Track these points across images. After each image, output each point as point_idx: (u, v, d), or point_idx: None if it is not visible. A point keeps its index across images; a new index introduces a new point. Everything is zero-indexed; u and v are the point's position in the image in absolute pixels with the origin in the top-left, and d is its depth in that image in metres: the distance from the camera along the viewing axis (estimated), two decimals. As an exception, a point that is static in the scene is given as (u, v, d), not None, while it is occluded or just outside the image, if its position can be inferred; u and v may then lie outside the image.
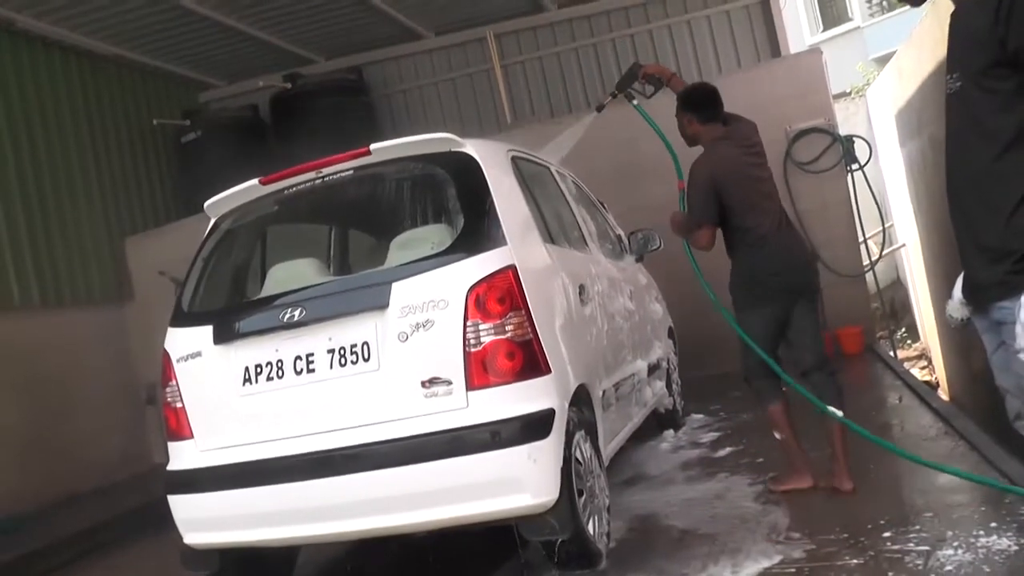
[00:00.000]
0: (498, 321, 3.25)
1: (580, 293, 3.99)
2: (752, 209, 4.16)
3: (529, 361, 3.27)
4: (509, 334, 3.25)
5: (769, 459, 4.73)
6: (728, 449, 5.27)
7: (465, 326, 3.24)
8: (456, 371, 3.23)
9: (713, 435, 5.73)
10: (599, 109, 5.27)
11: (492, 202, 3.50)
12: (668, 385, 5.91)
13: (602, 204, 5.82)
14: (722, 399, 6.81)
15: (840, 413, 3.96)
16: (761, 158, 4.37)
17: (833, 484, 4.10)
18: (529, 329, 3.29)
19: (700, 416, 6.40)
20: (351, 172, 3.75)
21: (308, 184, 3.83)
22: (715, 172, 4.13)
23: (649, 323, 5.62)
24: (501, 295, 3.28)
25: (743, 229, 4.16)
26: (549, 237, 3.98)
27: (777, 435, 4.31)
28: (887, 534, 3.45)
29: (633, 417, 4.81)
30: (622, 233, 5.83)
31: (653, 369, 5.43)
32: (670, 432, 5.92)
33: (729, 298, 4.26)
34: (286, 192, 3.88)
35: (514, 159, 4.05)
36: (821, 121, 7.95)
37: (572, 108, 10.12)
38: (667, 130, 4.66)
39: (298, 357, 3.43)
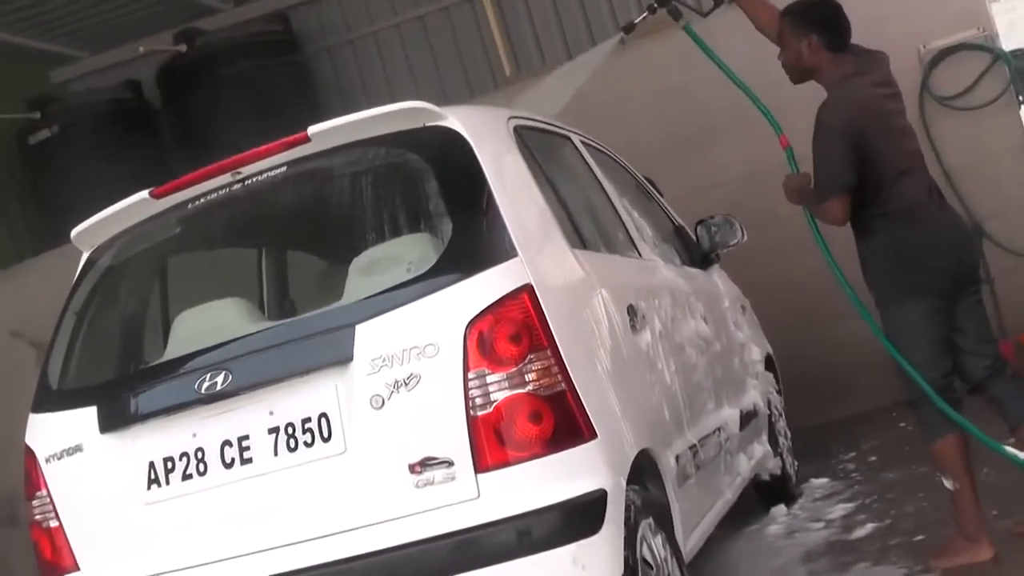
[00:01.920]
0: (514, 368, 3.28)
1: (631, 317, 4.03)
2: (897, 170, 4.31)
3: (564, 422, 3.30)
4: (531, 386, 3.28)
5: (933, 534, 4.76)
6: (869, 526, 5.30)
7: (466, 380, 3.27)
8: (458, 446, 3.25)
9: (844, 507, 5.76)
10: (627, 30, 5.38)
11: (491, 195, 3.53)
12: (772, 440, 5.94)
13: (652, 184, 5.87)
14: (852, 453, 6.84)
15: None
16: (900, 102, 4.51)
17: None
18: (560, 376, 3.32)
19: (823, 481, 6.42)
20: (284, 169, 3.80)
21: (222, 192, 3.88)
22: (853, 119, 4.26)
23: (736, 352, 5.67)
24: (515, 330, 3.31)
25: (885, 198, 4.30)
26: (579, 240, 4.00)
27: (948, 484, 4.39)
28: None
29: (724, 492, 4.84)
30: (684, 224, 5.88)
31: (748, 419, 5.47)
32: (780, 509, 5.95)
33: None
34: (191, 206, 3.93)
35: (519, 130, 4.10)
36: (974, 33, 7.95)
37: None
38: (740, 67, 4.72)
39: (226, 443, 3.46)
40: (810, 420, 7.56)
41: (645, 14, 5.15)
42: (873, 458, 6.68)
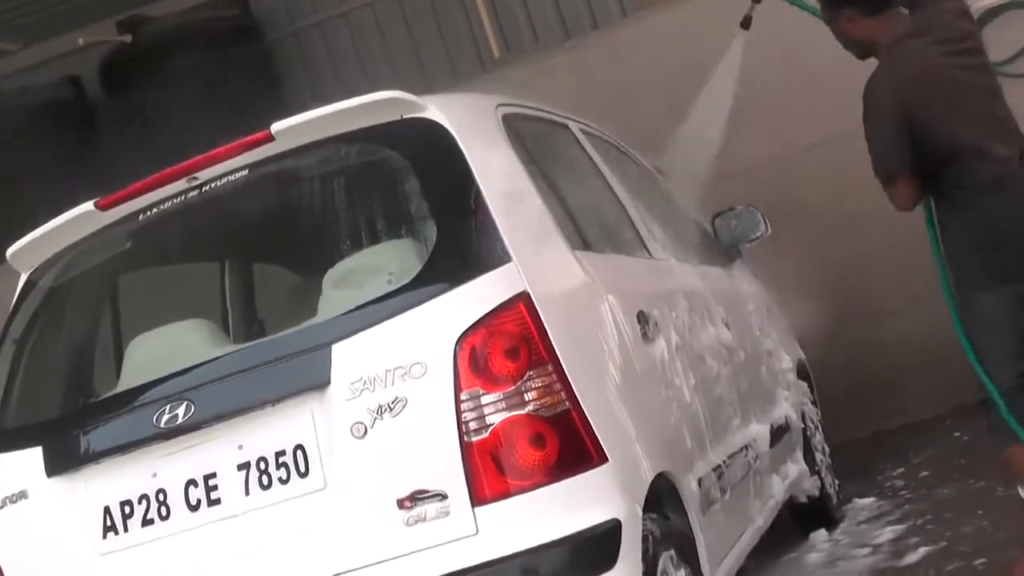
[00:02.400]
0: (511, 387, 3.30)
1: (642, 325, 4.05)
2: (975, 135, 4.28)
3: (570, 446, 3.31)
4: (532, 406, 3.29)
5: (996, 556, 4.76)
6: (922, 551, 5.30)
7: (458, 402, 3.28)
8: (452, 477, 3.27)
9: (893, 529, 5.77)
10: (746, 25, 5.46)
11: (479, 193, 3.56)
12: (808, 458, 5.95)
13: (662, 174, 5.90)
14: (900, 468, 6.86)
15: None
16: (977, 56, 4.47)
17: None
18: (563, 394, 3.34)
19: (868, 500, 6.43)
20: (245, 172, 3.83)
21: (177, 200, 3.90)
22: (903, 93, 4.27)
23: (764, 360, 5.69)
24: (512, 344, 3.33)
25: (963, 170, 4.29)
26: (580, 240, 4.02)
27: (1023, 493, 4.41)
28: None
29: (755, 518, 4.86)
30: (700, 218, 5.91)
31: (779, 434, 5.49)
32: (821, 534, 5.96)
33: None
34: (142, 218, 3.95)
35: (509, 119, 4.12)
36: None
37: (598, 21, 10.18)
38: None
39: (191, 482, 3.47)
40: (852, 433, 7.60)
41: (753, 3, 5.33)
42: (925, 473, 6.68)
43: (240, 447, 3.43)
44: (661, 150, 6.37)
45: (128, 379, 3.81)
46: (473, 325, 3.33)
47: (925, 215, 4.59)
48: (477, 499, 3.25)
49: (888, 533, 5.74)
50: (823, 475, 6.19)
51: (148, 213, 3.93)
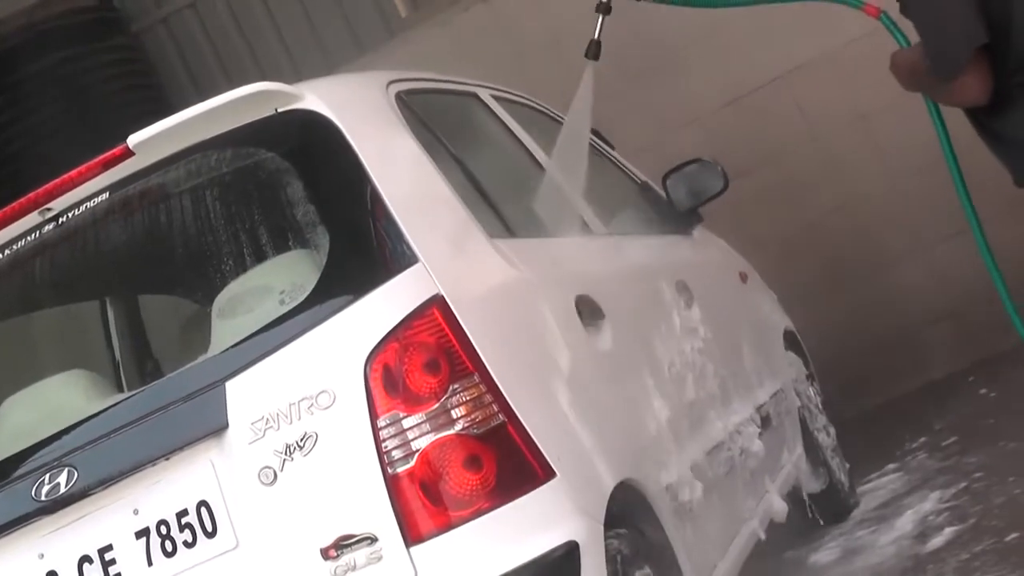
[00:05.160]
0: (435, 404, 3.33)
1: (583, 315, 4.10)
2: None
3: (510, 463, 3.37)
4: (461, 424, 3.33)
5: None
6: (948, 532, 5.40)
7: (376, 430, 3.31)
8: (380, 516, 3.30)
9: (916, 510, 5.87)
10: (593, 54, 5.40)
11: (374, 189, 3.61)
12: (808, 441, 6.04)
13: (598, 136, 5.94)
14: (922, 437, 6.96)
15: None
16: None
17: None
18: (496, 406, 3.38)
19: (886, 479, 6.53)
20: (106, 196, 3.87)
21: (32, 237, 3.95)
22: None
23: (740, 335, 5.75)
24: (429, 356, 3.37)
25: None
26: (502, 226, 4.10)
27: None
28: None
29: (748, 518, 4.91)
30: (648, 181, 5.98)
31: (769, 420, 5.55)
32: (832, 525, 6.09)
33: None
34: None
35: (404, 97, 4.18)
36: None
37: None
38: None
39: (85, 559, 3.49)
40: (863, 402, 7.80)
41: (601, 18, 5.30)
42: (949, 440, 6.76)
43: (136, 512, 3.45)
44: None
45: (1, 449, 3.80)
46: (383, 340, 3.36)
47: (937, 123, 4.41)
48: (411, 537, 3.27)
49: (909, 515, 5.82)
50: (829, 461, 6.26)
51: (2, 254, 3.98)
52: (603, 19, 5.27)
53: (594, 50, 5.40)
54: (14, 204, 3.92)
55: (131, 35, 10.41)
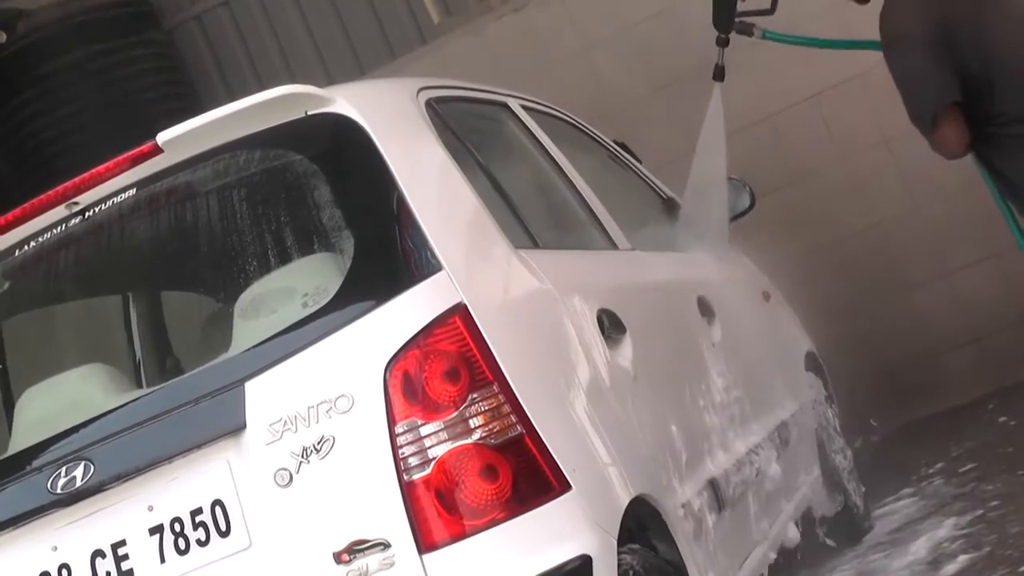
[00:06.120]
0: (453, 413, 3.33)
1: (605, 328, 4.11)
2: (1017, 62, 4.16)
3: (526, 475, 3.36)
4: (479, 433, 3.34)
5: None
6: (962, 559, 5.37)
7: (394, 436, 3.31)
8: (394, 522, 3.30)
9: (930, 536, 5.83)
10: (719, 76, 5.72)
11: (401, 195, 3.61)
12: (825, 464, 6.01)
13: (626, 150, 5.94)
14: (939, 463, 6.92)
15: None
16: None
17: None
18: (514, 416, 3.38)
19: (901, 503, 6.49)
20: (133, 192, 3.88)
21: (59, 230, 3.96)
22: (931, 8, 4.18)
23: (762, 355, 5.74)
24: (450, 364, 3.37)
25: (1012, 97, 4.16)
26: (527, 237, 4.09)
27: None
28: None
29: (761, 540, 4.89)
30: (674, 197, 5.97)
31: (787, 441, 5.55)
32: (847, 548, 6.05)
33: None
34: (20, 252, 4.01)
35: (435, 104, 4.18)
36: None
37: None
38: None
39: (98, 554, 3.50)
40: (882, 425, 7.73)
41: (721, 50, 5.62)
42: (967, 467, 6.75)
43: (150, 508, 3.46)
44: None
45: (19, 440, 3.83)
46: (403, 347, 3.36)
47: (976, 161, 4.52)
48: (424, 545, 3.28)
49: (923, 541, 5.79)
50: (845, 483, 6.24)
51: (25, 248, 3.98)
52: (723, 51, 5.62)
53: (719, 73, 5.69)
54: (42, 197, 3.94)
55: (164, 31, 10.44)
